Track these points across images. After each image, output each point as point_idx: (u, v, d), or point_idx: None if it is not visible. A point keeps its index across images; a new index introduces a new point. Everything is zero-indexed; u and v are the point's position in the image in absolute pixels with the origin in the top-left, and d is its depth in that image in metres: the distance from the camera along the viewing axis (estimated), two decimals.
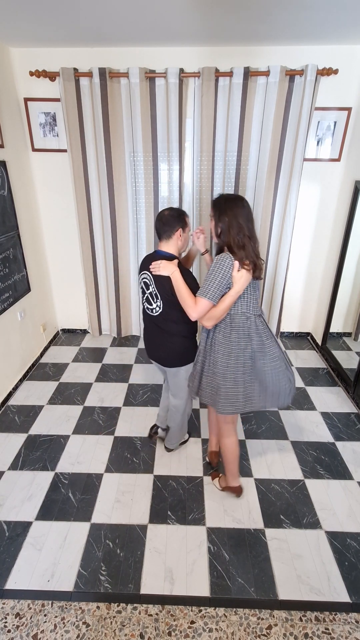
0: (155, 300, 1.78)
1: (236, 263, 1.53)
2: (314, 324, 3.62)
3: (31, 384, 2.96)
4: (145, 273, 1.79)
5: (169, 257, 1.72)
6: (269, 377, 1.69)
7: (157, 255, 1.75)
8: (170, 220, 1.72)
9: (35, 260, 3.17)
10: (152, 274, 1.73)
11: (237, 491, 1.97)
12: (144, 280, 1.80)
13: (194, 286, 1.68)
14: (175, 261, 1.70)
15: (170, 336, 1.84)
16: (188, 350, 1.88)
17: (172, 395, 2.07)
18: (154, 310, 1.81)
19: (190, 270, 1.86)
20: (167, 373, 2.00)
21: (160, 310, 1.78)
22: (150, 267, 1.71)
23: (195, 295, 1.59)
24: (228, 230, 1.56)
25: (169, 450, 2.28)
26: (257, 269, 1.57)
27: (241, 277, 1.53)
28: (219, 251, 1.63)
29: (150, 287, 1.77)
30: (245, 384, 1.69)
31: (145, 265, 1.80)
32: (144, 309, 1.89)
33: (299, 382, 2.99)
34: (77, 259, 3.40)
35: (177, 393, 2.03)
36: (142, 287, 1.84)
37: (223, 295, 1.55)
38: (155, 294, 1.76)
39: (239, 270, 1.53)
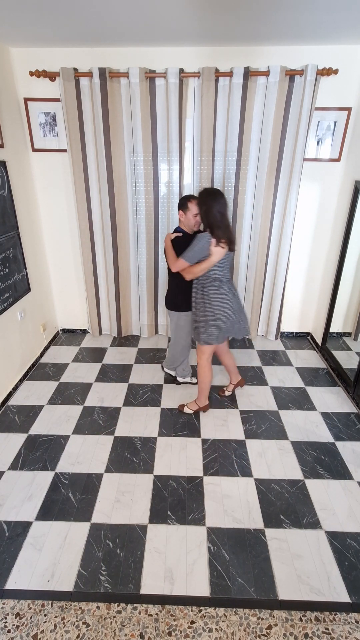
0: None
1: (214, 240, 2.08)
2: (314, 324, 3.62)
3: (31, 384, 2.96)
4: None
5: (177, 230, 2.40)
6: (230, 321, 2.32)
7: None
8: (178, 203, 2.36)
9: (35, 260, 3.17)
10: None
11: (206, 408, 2.62)
12: None
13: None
14: (171, 234, 2.36)
15: (169, 283, 2.57)
16: (177, 299, 2.52)
17: (170, 333, 2.76)
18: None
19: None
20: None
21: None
22: None
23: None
24: (206, 216, 2.10)
25: (164, 371, 3.01)
26: (231, 244, 2.14)
27: (218, 251, 2.10)
28: (203, 231, 2.18)
29: None
30: (224, 322, 2.29)
31: None
32: None
33: (299, 382, 2.99)
34: (77, 259, 3.40)
35: (172, 332, 2.71)
36: None
37: (200, 261, 2.15)
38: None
39: (216, 246, 2.08)
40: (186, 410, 2.62)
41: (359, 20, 2.12)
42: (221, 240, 2.07)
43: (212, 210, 2.06)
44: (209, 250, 2.09)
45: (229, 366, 2.73)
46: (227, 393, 2.81)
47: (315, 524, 1.84)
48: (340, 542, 1.75)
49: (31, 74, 2.68)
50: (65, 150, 2.97)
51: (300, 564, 1.66)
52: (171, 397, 2.79)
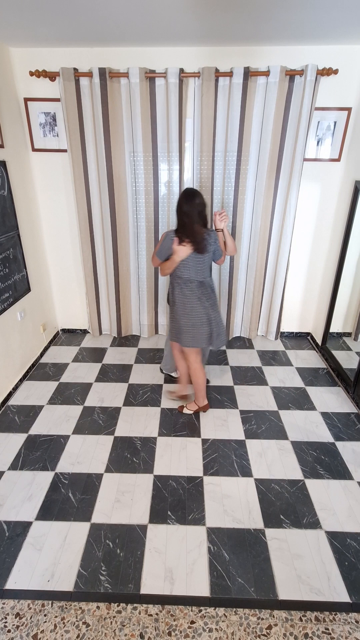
0: None
1: (176, 239, 2.09)
2: (314, 324, 3.62)
3: (31, 384, 2.96)
4: None
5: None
6: (197, 324, 2.29)
7: None
8: None
9: (35, 260, 3.17)
10: None
11: (206, 408, 2.61)
12: None
13: None
14: (166, 231, 2.26)
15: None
16: (169, 295, 2.44)
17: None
18: None
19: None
20: None
21: None
22: None
23: None
24: (177, 215, 2.12)
25: (163, 373, 3.04)
26: (196, 245, 2.10)
27: (179, 250, 2.09)
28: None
29: None
30: (195, 327, 2.28)
31: None
32: None
33: (299, 382, 2.99)
34: (77, 259, 3.40)
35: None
36: None
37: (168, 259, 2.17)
38: None
39: (178, 245, 2.08)
40: (186, 411, 2.61)
41: (359, 20, 2.12)
42: (184, 240, 2.08)
43: (180, 210, 2.09)
44: (172, 248, 2.12)
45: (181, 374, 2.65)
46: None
47: (315, 524, 1.84)
48: (340, 542, 1.75)
49: (31, 74, 2.68)
50: (65, 150, 2.97)
51: (300, 564, 1.66)
52: None
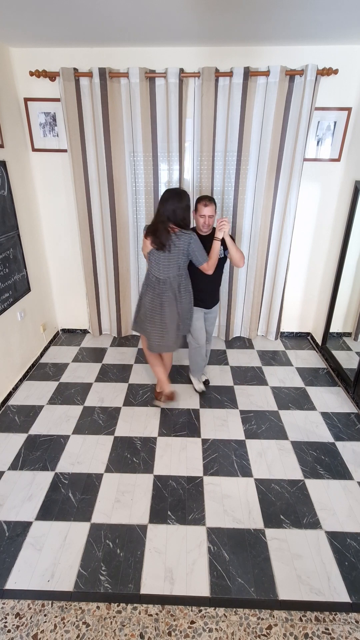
0: None
1: (144, 232, 2.24)
2: (314, 324, 3.62)
3: (31, 384, 2.96)
4: None
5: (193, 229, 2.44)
6: (155, 321, 2.35)
7: None
8: None
9: (35, 260, 3.17)
10: None
11: (171, 396, 2.58)
12: None
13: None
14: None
15: None
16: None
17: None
18: None
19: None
20: None
21: None
22: None
23: None
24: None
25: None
26: (155, 241, 2.18)
27: (144, 243, 2.25)
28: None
29: None
30: (155, 325, 2.35)
31: None
32: None
33: (299, 382, 2.99)
34: (77, 259, 3.40)
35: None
36: None
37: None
38: None
39: (144, 238, 2.24)
40: (158, 403, 2.68)
41: (359, 20, 2.12)
42: (149, 235, 2.21)
43: (158, 207, 2.21)
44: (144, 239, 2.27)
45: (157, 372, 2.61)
46: (157, 403, 2.71)
47: (315, 524, 1.84)
48: (340, 542, 1.75)
49: (31, 74, 2.68)
50: (65, 150, 2.97)
51: (300, 564, 1.66)
52: None
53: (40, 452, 2.27)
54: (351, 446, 2.33)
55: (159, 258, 2.22)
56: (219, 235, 2.27)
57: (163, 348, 2.43)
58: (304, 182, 3.03)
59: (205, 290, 2.52)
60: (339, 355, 3.10)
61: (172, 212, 2.15)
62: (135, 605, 1.51)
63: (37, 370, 3.14)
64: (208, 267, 2.30)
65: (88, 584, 1.58)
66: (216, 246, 2.28)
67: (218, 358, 3.33)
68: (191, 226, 2.42)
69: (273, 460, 2.22)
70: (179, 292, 2.33)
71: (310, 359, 3.35)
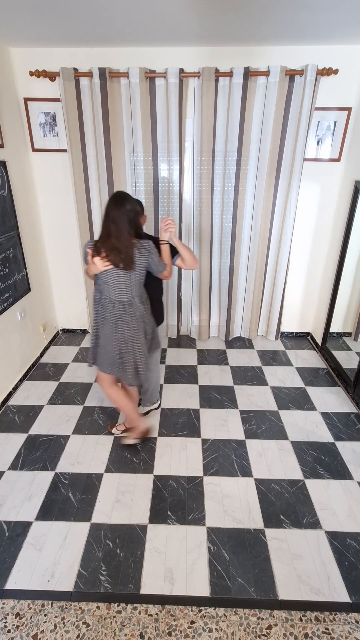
0: None
1: (90, 250, 1.81)
2: (314, 324, 3.62)
3: (31, 384, 2.96)
4: None
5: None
6: (115, 354, 1.98)
7: None
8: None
9: (35, 260, 3.17)
10: None
11: (146, 432, 2.26)
12: None
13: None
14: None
15: None
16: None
17: None
18: None
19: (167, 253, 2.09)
20: None
21: None
22: None
23: None
24: (102, 222, 1.83)
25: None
26: (115, 259, 1.78)
27: (90, 263, 1.82)
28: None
29: None
30: (107, 350, 1.98)
31: None
32: None
33: (299, 382, 2.99)
34: (77, 259, 3.40)
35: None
36: None
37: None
38: None
39: (92, 258, 1.80)
40: (128, 441, 2.28)
41: (359, 20, 2.12)
42: (102, 252, 1.78)
43: (107, 216, 1.80)
44: (87, 261, 1.85)
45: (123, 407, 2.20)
46: (114, 431, 2.40)
47: (315, 524, 1.84)
48: (340, 542, 1.75)
49: (31, 74, 2.68)
50: (65, 150, 2.97)
51: (300, 564, 1.66)
52: (171, 397, 2.79)
53: (40, 452, 2.27)
54: (351, 446, 2.33)
55: (119, 278, 1.84)
56: (164, 236, 2.00)
57: (136, 380, 2.06)
58: (304, 182, 3.03)
59: (158, 300, 2.25)
60: (339, 355, 3.10)
61: (131, 219, 1.79)
62: (135, 605, 1.51)
63: (37, 370, 3.14)
64: (168, 273, 2.02)
65: (88, 584, 1.58)
66: (166, 250, 2.02)
67: (218, 358, 3.33)
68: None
69: (273, 460, 2.22)
70: (145, 312, 2.00)
71: (310, 359, 3.35)
